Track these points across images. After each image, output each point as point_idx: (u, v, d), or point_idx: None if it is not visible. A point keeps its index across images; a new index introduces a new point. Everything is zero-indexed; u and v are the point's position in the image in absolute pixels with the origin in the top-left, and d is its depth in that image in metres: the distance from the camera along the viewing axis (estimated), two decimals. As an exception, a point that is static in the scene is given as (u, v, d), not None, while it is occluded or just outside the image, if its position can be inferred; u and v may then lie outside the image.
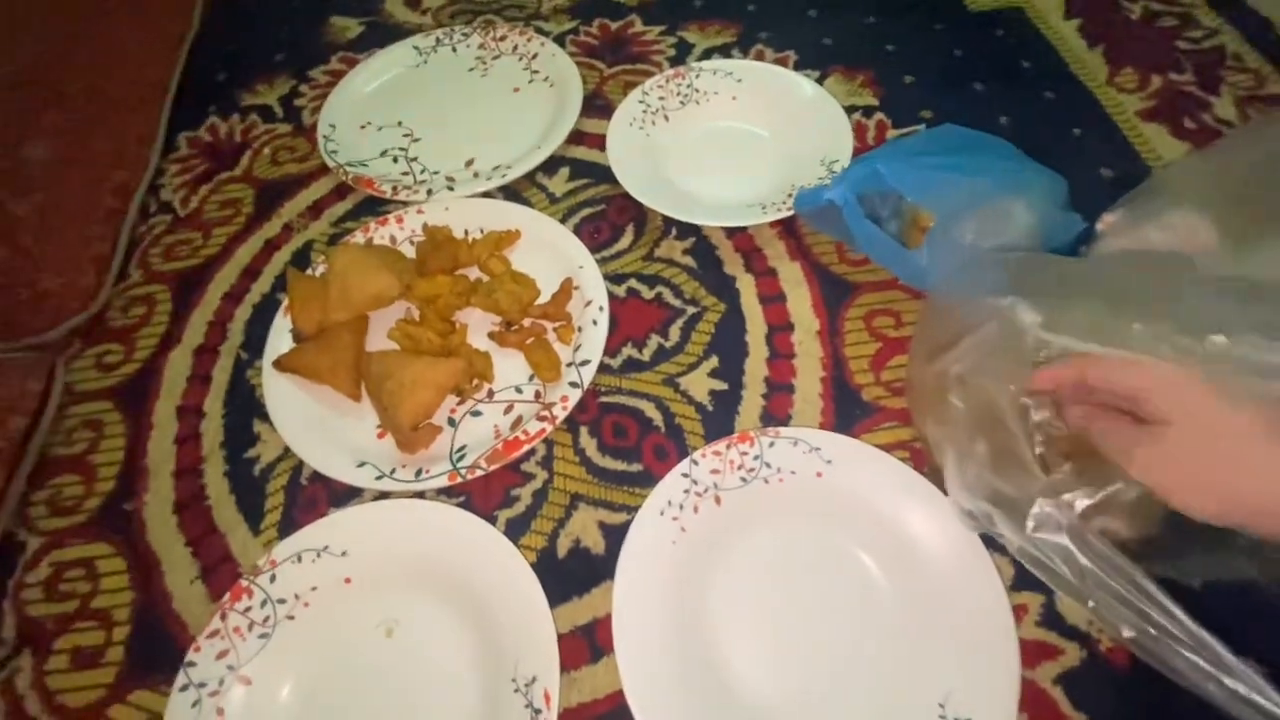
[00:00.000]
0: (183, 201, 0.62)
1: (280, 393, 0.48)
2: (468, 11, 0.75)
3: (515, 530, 0.42)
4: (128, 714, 0.39)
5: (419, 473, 0.43)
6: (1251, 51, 0.64)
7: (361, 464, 0.44)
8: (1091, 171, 0.57)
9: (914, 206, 0.46)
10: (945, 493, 0.38)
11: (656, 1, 0.73)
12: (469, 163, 0.61)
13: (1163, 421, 0.30)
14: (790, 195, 0.53)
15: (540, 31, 0.70)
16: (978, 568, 0.37)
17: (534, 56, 0.68)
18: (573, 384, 0.47)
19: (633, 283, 0.53)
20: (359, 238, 0.55)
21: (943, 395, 0.37)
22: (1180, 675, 0.29)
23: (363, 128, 0.64)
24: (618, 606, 0.37)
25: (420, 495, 0.44)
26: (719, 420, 0.46)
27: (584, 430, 0.47)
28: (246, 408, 0.49)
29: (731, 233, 0.55)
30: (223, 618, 0.38)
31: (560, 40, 0.70)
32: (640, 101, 0.61)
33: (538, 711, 0.34)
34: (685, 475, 0.41)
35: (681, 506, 0.41)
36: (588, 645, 0.39)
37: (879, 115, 0.62)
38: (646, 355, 0.50)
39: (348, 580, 0.40)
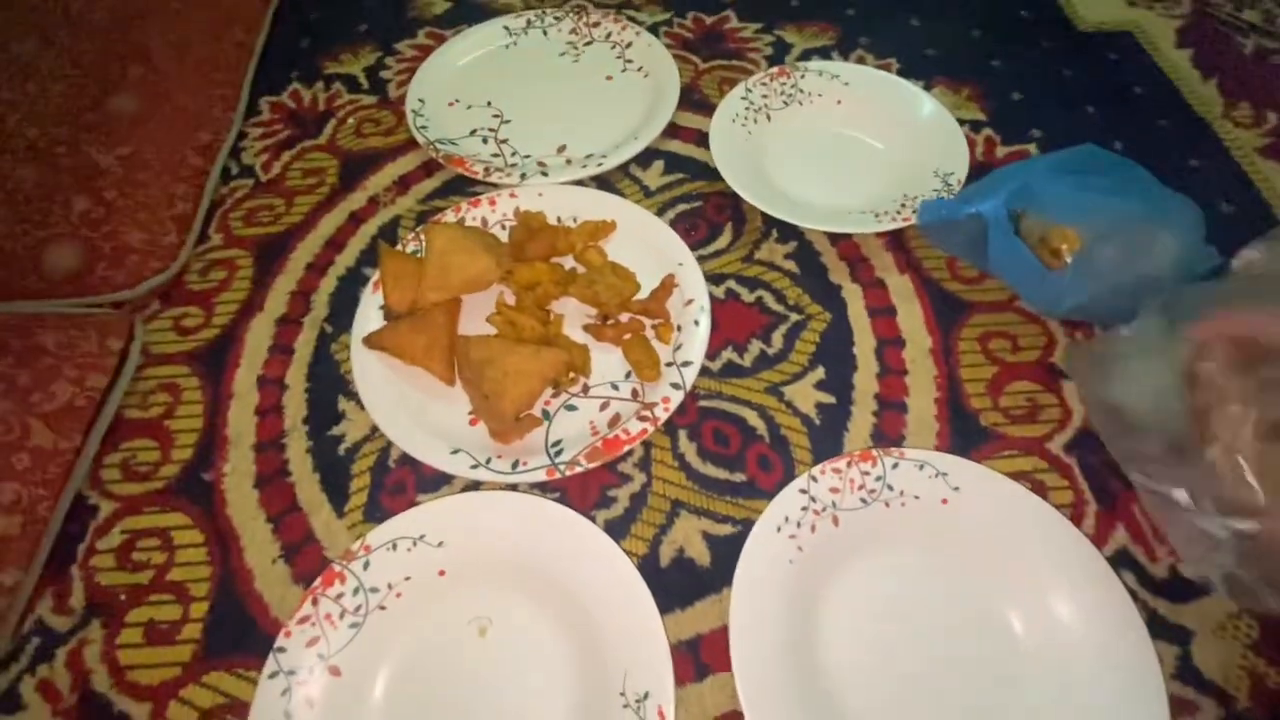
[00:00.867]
0: (264, 166, 0.60)
1: (369, 371, 0.46)
2: (556, -5, 0.74)
3: (614, 534, 0.40)
4: (203, 695, 0.37)
5: (515, 464, 0.42)
6: (1371, 95, 0.62)
7: (456, 451, 0.42)
8: (1210, 205, 0.54)
9: (1046, 226, 0.44)
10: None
11: (752, -2, 0.72)
12: (561, 149, 0.59)
13: None
14: (904, 206, 0.51)
15: (633, 20, 0.68)
16: (1127, 627, 0.35)
17: (628, 45, 0.66)
18: (674, 385, 0.45)
19: (732, 284, 0.51)
20: (450, 217, 0.53)
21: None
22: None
23: (451, 105, 0.63)
24: (737, 626, 0.35)
25: (512, 488, 0.42)
26: (827, 435, 0.44)
27: (683, 434, 0.45)
28: (331, 383, 0.47)
29: (835, 240, 0.53)
30: (314, 603, 0.36)
31: (653, 31, 0.68)
32: (743, 98, 0.59)
33: (652, 730, 0.32)
34: (803, 491, 0.39)
35: (799, 524, 0.38)
36: (693, 662, 0.37)
37: (987, 131, 0.60)
38: (747, 360, 0.48)
39: (442, 572, 0.38)
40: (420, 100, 0.62)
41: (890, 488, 0.39)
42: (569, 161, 0.58)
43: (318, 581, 0.37)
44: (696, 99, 0.63)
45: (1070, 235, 0.42)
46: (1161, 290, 0.43)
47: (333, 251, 0.54)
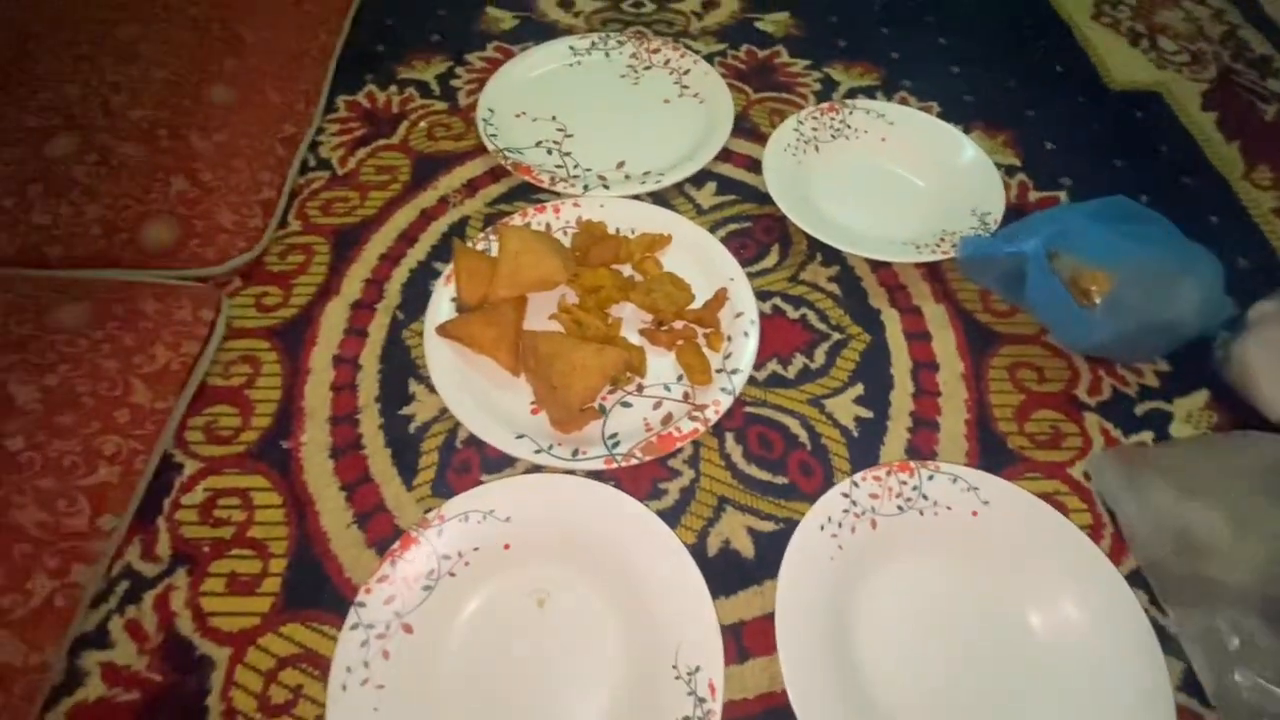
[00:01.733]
0: (341, 161, 0.64)
1: (441, 358, 0.49)
2: (618, 20, 0.78)
3: (666, 522, 0.43)
4: (279, 644, 0.40)
5: (575, 452, 0.45)
6: (1381, 167, 0.66)
7: (520, 436, 0.45)
8: (1228, 260, 0.58)
9: (1078, 267, 0.48)
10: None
11: (802, 36, 0.76)
12: (620, 164, 0.63)
13: None
14: (942, 240, 0.55)
15: (690, 49, 0.72)
16: (1140, 642, 0.38)
17: (686, 72, 0.70)
18: (724, 390, 0.48)
19: (778, 301, 0.55)
20: (517, 220, 0.57)
21: None
22: None
23: (518, 116, 0.67)
24: (782, 612, 0.38)
25: (570, 474, 0.45)
26: (864, 447, 0.47)
27: (730, 437, 0.48)
28: (402, 367, 0.51)
29: (875, 266, 0.57)
30: (392, 564, 0.39)
31: (709, 60, 0.72)
32: (795, 129, 0.63)
33: (702, 700, 0.35)
34: (845, 495, 0.43)
35: (840, 525, 0.42)
36: (735, 645, 0.40)
37: (1020, 176, 0.64)
38: (791, 373, 0.51)
39: (507, 546, 0.41)
40: (490, 109, 0.66)
41: (925, 497, 0.42)
42: (628, 177, 0.61)
43: (396, 544, 0.40)
44: (747, 127, 0.67)
45: (1101, 277, 0.45)
46: (1182, 334, 0.47)
47: (405, 245, 0.58)
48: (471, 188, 0.62)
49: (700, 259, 0.55)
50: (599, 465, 0.44)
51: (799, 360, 0.52)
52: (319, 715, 0.37)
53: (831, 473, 0.46)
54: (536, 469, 0.45)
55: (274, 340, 0.52)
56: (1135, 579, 0.42)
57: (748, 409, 0.49)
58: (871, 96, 0.70)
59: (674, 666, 0.37)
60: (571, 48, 0.73)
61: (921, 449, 0.47)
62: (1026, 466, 0.47)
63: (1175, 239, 0.48)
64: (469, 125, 0.66)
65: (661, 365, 0.50)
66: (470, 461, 0.46)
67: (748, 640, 0.40)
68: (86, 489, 0.41)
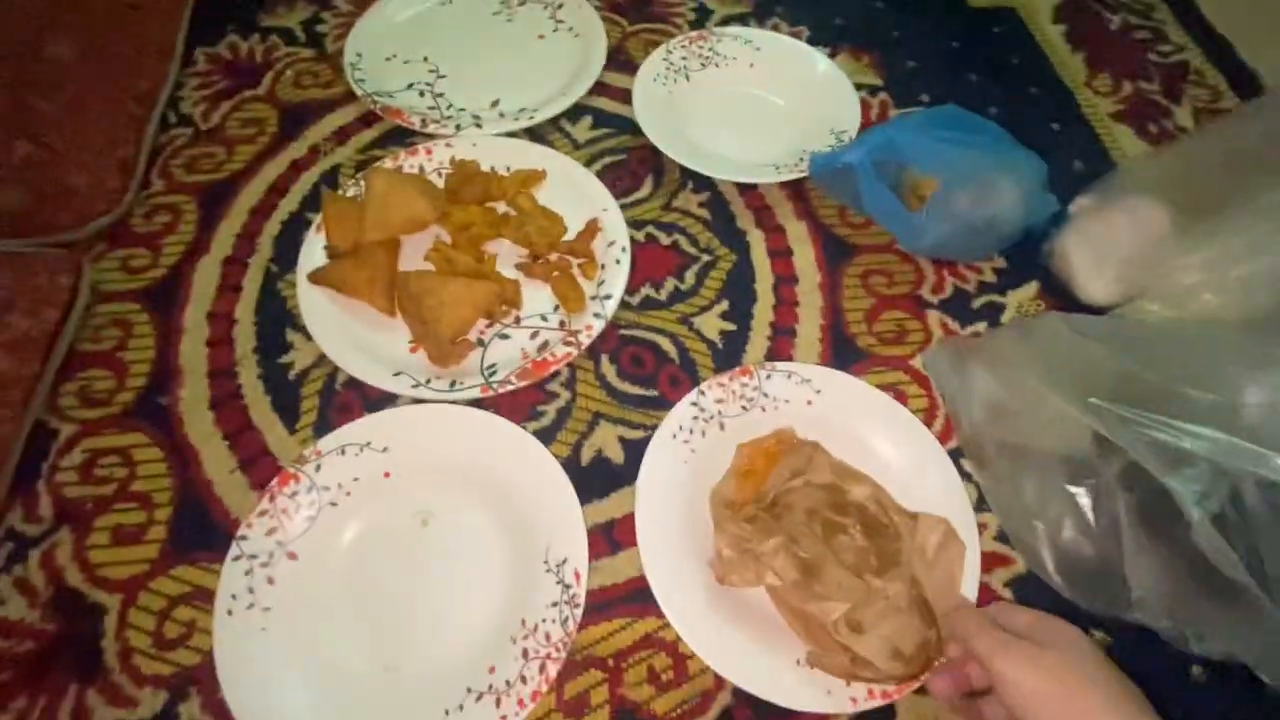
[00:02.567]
0: (203, 116, 0.62)
1: (315, 305, 0.50)
2: (492, -45, 0.76)
3: (541, 440, 0.46)
4: (171, 585, 0.42)
5: (453, 384, 0.47)
6: (1212, 69, 0.72)
7: (398, 373, 0.47)
8: (1066, 162, 0.63)
9: (914, 175, 0.52)
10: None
11: (678, -34, 0.76)
12: (494, 103, 0.63)
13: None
14: (801, 159, 0.58)
15: (564, -18, 0.72)
16: (951, 487, 0.43)
17: (559, 6, 0.70)
18: (596, 315, 0.50)
19: (651, 229, 0.57)
20: (388, 165, 0.57)
21: None
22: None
23: (388, 60, 0.66)
24: (639, 511, 0.41)
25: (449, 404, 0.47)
26: (728, 356, 0.51)
27: (605, 358, 0.51)
28: (278, 317, 0.51)
29: (744, 190, 0.59)
30: (271, 499, 0.41)
31: (584, -7, 0.72)
32: (664, 59, 0.64)
33: (568, 587, 0.39)
34: (694, 404, 0.46)
35: (691, 431, 0.45)
36: (607, 540, 0.43)
37: (883, 94, 0.67)
38: (663, 295, 0.54)
39: (387, 474, 0.43)
40: (358, 54, 0.65)
41: (765, 395, 0.46)
42: (502, 115, 0.62)
43: (274, 481, 0.42)
44: (623, 60, 0.67)
45: (928, 183, 0.49)
46: (1008, 229, 0.51)
47: (276, 197, 0.57)
48: (343, 135, 0.61)
49: (575, 192, 0.57)
50: (476, 394, 0.47)
51: (670, 283, 0.54)
52: (213, 644, 0.39)
53: (698, 382, 0.49)
54: (417, 404, 0.47)
55: (145, 301, 0.52)
56: (959, 452, 0.47)
57: (622, 332, 0.52)
58: (745, 24, 0.71)
59: (545, 561, 0.40)
60: (442, -14, 0.71)
61: (779, 354, 0.51)
62: (873, 362, 0.51)
63: (1000, 144, 0.52)
64: (338, 72, 0.65)
65: (538, 297, 0.52)
66: (351, 402, 0.48)
67: (618, 535, 0.44)
68: (-48, 457, 0.41)
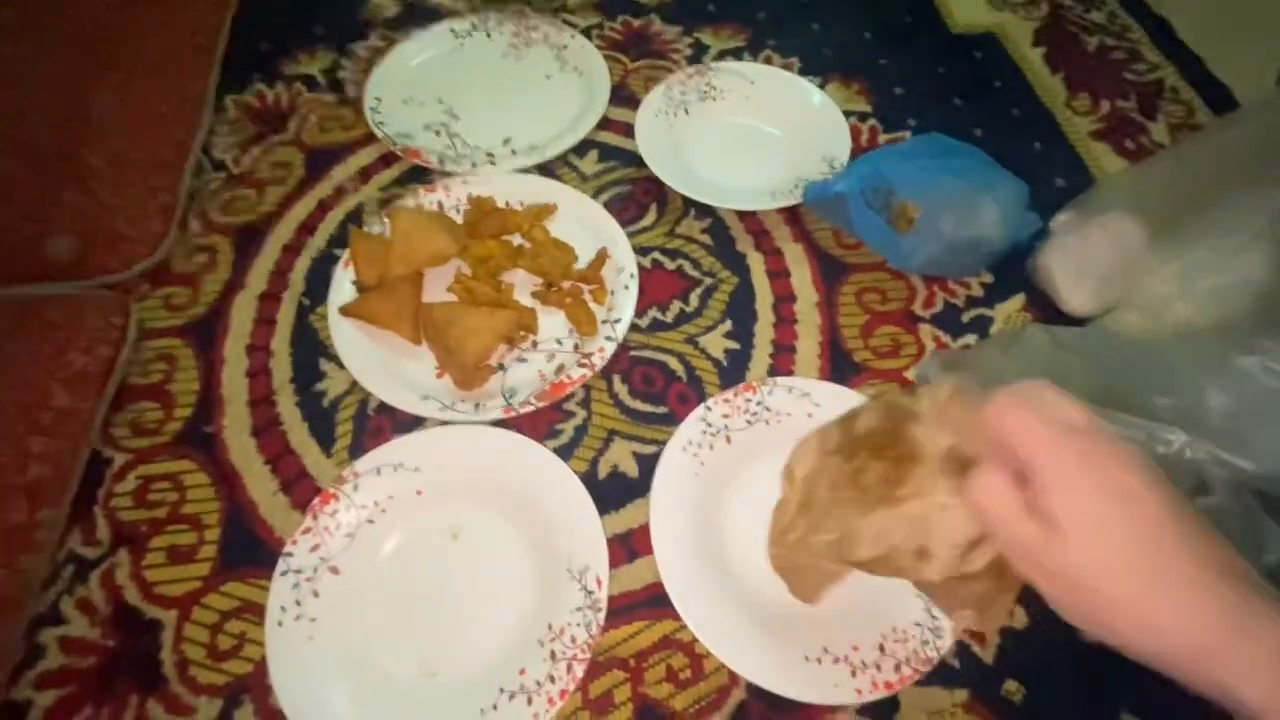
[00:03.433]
0: (235, 161, 0.66)
1: (346, 335, 0.53)
2: (498, 0, 0.81)
3: (561, 456, 0.49)
4: (221, 600, 0.45)
5: (477, 406, 0.50)
6: (1186, 86, 0.75)
7: (425, 397, 0.50)
8: (1048, 180, 0.66)
9: (903, 200, 0.55)
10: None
11: (674, 3, 0.80)
12: (506, 141, 0.67)
13: (1052, 521, 0.23)
14: (796, 186, 0.61)
15: (568, 24, 0.76)
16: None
17: (564, 47, 0.74)
18: (608, 338, 0.54)
19: (656, 255, 0.61)
20: (409, 202, 0.61)
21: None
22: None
23: (405, 102, 0.70)
24: (654, 522, 0.44)
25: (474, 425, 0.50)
26: (733, 373, 0.54)
27: (617, 378, 0.54)
28: (312, 348, 0.55)
29: (743, 216, 0.63)
30: (314, 518, 0.44)
31: (586, 34, 0.76)
32: (665, 94, 0.68)
33: (590, 593, 0.42)
34: (701, 419, 0.49)
35: (700, 445, 0.48)
36: (625, 549, 0.46)
37: (872, 121, 0.70)
38: (669, 317, 0.57)
39: (419, 492, 0.46)
40: (377, 98, 0.69)
41: (768, 409, 0.49)
42: (514, 152, 0.66)
43: (316, 500, 0.45)
44: (625, 95, 0.71)
45: (913, 206, 0.52)
46: (993, 248, 0.55)
47: (305, 235, 0.61)
48: (365, 175, 0.65)
49: (585, 223, 0.61)
50: (499, 415, 0.50)
51: (676, 306, 0.58)
52: (264, 654, 0.42)
53: (705, 398, 0.52)
54: (445, 426, 0.50)
55: (187, 337, 0.55)
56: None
57: (632, 353, 0.55)
58: (739, 57, 0.75)
59: (568, 570, 0.43)
60: (453, 31, 0.75)
61: (781, 369, 0.54)
62: (870, 375, 0.54)
63: (982, 166, 0.55)
64: (358, 115, 0.69)
65: (553, 323, 0.56)
66: (383, 426, 0.51)
67: (635, 543, 0.47)
68: (22, 486, 0.45)
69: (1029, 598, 0.43)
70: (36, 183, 0.56)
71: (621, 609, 0.44)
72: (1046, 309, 0.57)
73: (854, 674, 0.40)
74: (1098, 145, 0.70)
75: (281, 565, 0.43)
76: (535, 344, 0.55)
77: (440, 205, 0.61)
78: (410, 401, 0.50)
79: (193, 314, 0.57)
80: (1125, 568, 0.23)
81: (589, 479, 0.48)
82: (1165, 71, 0.76)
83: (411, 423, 0.51)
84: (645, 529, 0.46)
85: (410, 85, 0.71)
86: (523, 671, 0.40)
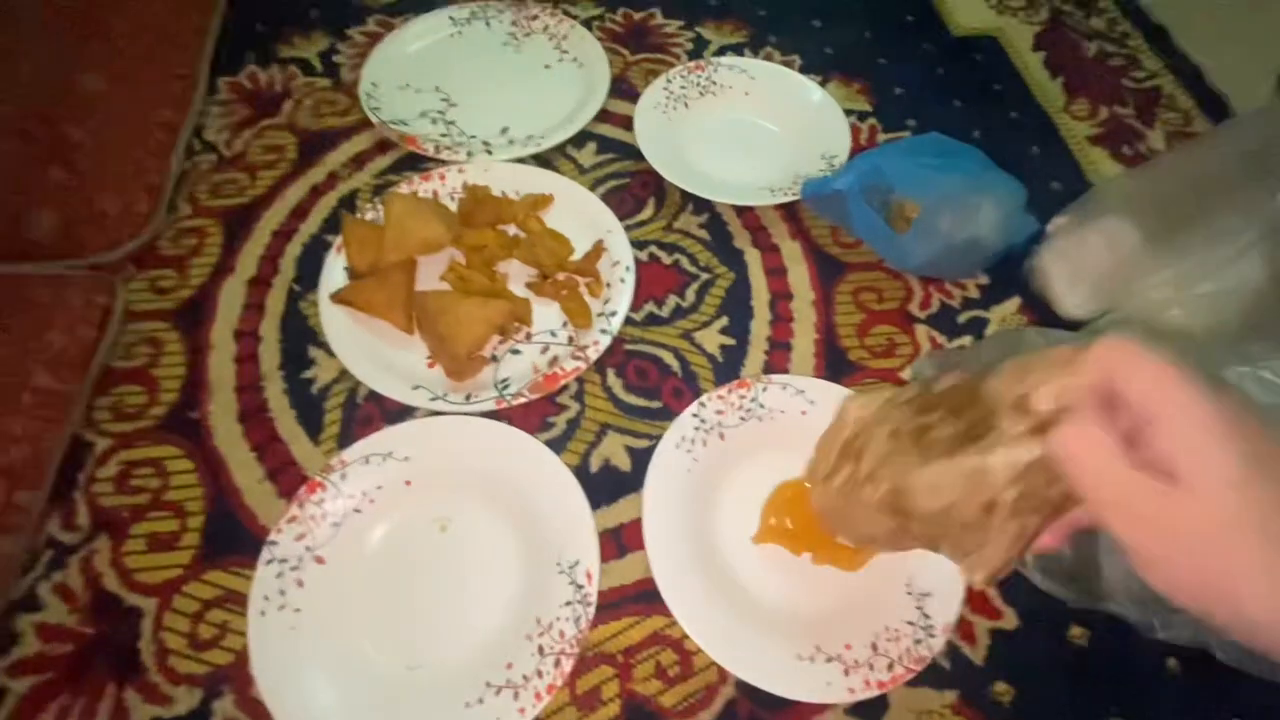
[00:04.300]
0: (226, 144, 0.65)
1: (337, 323, 0.53)
2: (498, -11, 0.80)
3: (553, 449, 0.48)
4: (203, 589, 0.44)
5: (468, 397, 0.50)
6: (1183, 94, 0.75)
7: (416, 387, 0.50)
8: (1045, 184, 0.67)
9: (900, 199, 0.55)
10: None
11: (676, -3, 0.80)
12: (503, 130, 0.66)
13: (1170, 475, 0.21)
14: (795, 182, 0.61)
15: (568, 14, 0.75)
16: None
17: (564, 38, 0.74)
18: (603, 331, 0.53)
19: (653, 249, 0.60)
20: (404, 190, 0.60)
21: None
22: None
23: (402, 89, 0.69)
24: (646, 517, 0.44)
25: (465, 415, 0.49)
26: (728, 369, 0.54)
27: (611, 372, 0.54)
28: (301, 335, 0.54)
29: (741, 211, 0.62)
30: (300, 506, 0.44)
31: (587, 25, 0.75)
32: (664, 89, 0.68)
33: (580, 587, 0.41)
34: (695, 415, 0.49)
35: (693, 441, 0.48)
36: (615, 544, 0.46)
37: (871, 120, 0.70)
38: (665, 312, 0.57)
39: (408, 482, 0.46)
40: (373, 84, 0.68)
41: (762, 406, 0.49)
42: (511, 141, 0.65)
43: (302, 489, 0.44)
44: (625, 88, 0.71)
45: (912, 206, 0.52)
46: (990, 249, 0.55)
47: (297, 220, 0.60)
48: (359, 161, 0.64)
49: (581, 215, 0.60)
50: (490, 407, 0.49)
51: (672, 300, 0.57)
52: (245, 644, 0.41)
53: (699, 394, 0.52)
54: (435, 416, 0.50)
55: (173, 320, 0.54)
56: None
57: (627, 347, 0.55)
58: (740, 53, 0.75)
59: (558, 564, 0.43)
60: (451, 18, 0.75)
61: (776, 367, 0.54)
62: (866, 373, 0.54)
63: (981, 168, 0.55)
64: (354, 101, 0.68)
65: (548, 314, 0.55)
66: (372, 415, 0.50)
67: (626, 538, 0.46)
68: (1, 468, 0.43)
69: (1015, 600, 0.44)
70: (21, 159, 0.55)
71: (611, 604, 0.44)
72: (1042, 312, 0.57)
73: (846, 673, 0.40)
74: (1095, 150, 0.70)
75: (266, 554, 0.42)
76: (529, 335, 0.54)
77: (435, 193, 0.61)
78: (401, 391, 0.49)
79: (180, 297, 0.55)
80: (1261, 532, 0.21)
81: (581, 472, 0.48)
82: (1163, 79, 0.77)
83: (401, 412, 0.50)
84: (636, 524, 0.45)
85: (407, 72, 0.70)
86: (509, 665, 0.40)
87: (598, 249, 0.57)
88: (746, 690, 0.41)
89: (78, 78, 0.61)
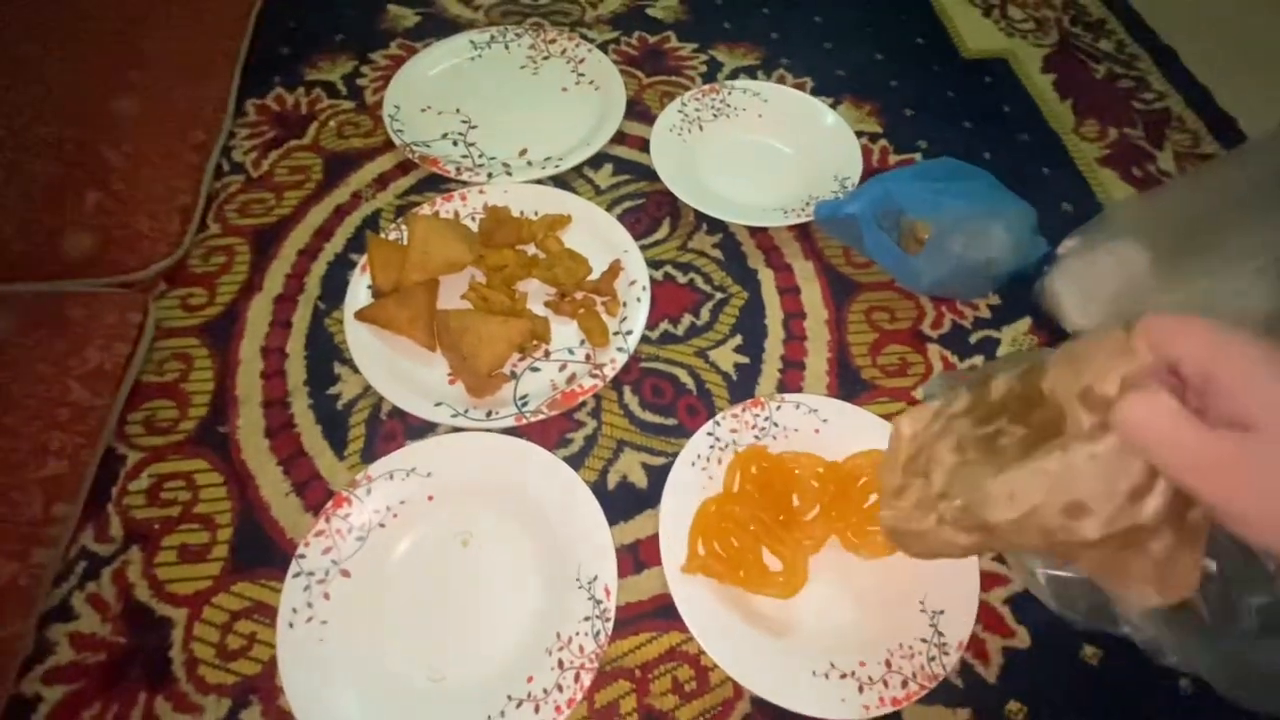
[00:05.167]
0: (254, 164, 0.67)
1: (361, 340, 0.54)
2: (516, 13, 0.82)
3: (571, 465, 0.49)
4: (232, 601, 0.45)
5: (489, 413, 0.51)
6: (1192, 115, 0.76)
7: (438, 404, 0.51)
8: (1055, 205, 0.68)
9: (912, 221, 0.56)
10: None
11: (690, 21, 0.82)
12: (522, 152, 0.68)
13: (1243, 425, 0.21)
14: (808, 203, 0.62)
15: (585, 38, 0.77)
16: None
17: (581, 61, 0.76)
18: (620, 349, 0.54)
19: (668, 269, 0.61)
20: (426, 210, 0.62)
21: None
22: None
23: (423, 111, 0.71)
24: (664, 536, 0.45)
25: (485, 432, 0.51)
26: (742, 387, 0.55)
27: (627, 389, 0.55)
28: (326, 351, 0.56)
29: (754, 232, 0.64)
30: (327, 520, 0.45)
31: (603, 48, 0.77)
32: (680, 111, 0.69)
33: (599, 602, 0.42)
34: (710, 434, 0.50)
35: (708, 459, 0.49)
36: (633, 559, 0.47)
37: (883, 141, 0.71)
38: (680, 330, 0.58)
39: (430, 498, 0.47)
40: (396, 106, 0.70)
41: (776, 424, 0.50)
42: (530, 163, 0.67)
43: (329, 504, 0.45)
44: (640, 110, 0.72)
45: (924, 227, 0.53)
46: (1001, 271, 0.56)
47: (321, 240, 0.62)
48: (382, 182, 0.66)
49: (598, 235, 0.61)
50: (510, 423, 0.50)
51: (687, 319, 0.58)
52: (273, 655, 0.42)
53: (714, 411, 0.53)
54: (457, 432, 0.51)
55: (203, 337, 0.56)
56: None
57: (643, 364, 0.56)
58: (753, 76, 0.76)
59: (577, 579, 0.43)
60: (472, 42, 0.77)
61: (789, 385, 0.55)
62: (878, 393, 0.55)
63: (991, 190, 0.56)
64: (377, 122, 0.70)
65: (566, 332, 0.56)
66: (395, 431, 0.52)
67: (643, 554, 0.47)
68: (38, 481, 0.45)
69: (1027, 619, 0.44)
70: (58, 181, 0.57)
71: (628, 620, 0.45)
72: (1053, 332, 0.58)
73: (860, 689, 0.40)
74: (1105, 171, 0.71)
75: (293, 567, 0.43)
76: (548, 353, 0.55)
77: (456, 214, 0.62)
78: (423, 407, 0.51)
79: (209, 314, 0.57)
80: None
81: (599, 489, 0.49)
82: (1172, 101, 0.78)
83: (424, 428, 0.51)
84: (653, 540, 0.46)
85: (429, 94, 0.72)
86: (530, 679, 0.41)
87: (614, 268, 0.58)
88: (762, 706, 0.42)
89: (112, 102, 0.63)
